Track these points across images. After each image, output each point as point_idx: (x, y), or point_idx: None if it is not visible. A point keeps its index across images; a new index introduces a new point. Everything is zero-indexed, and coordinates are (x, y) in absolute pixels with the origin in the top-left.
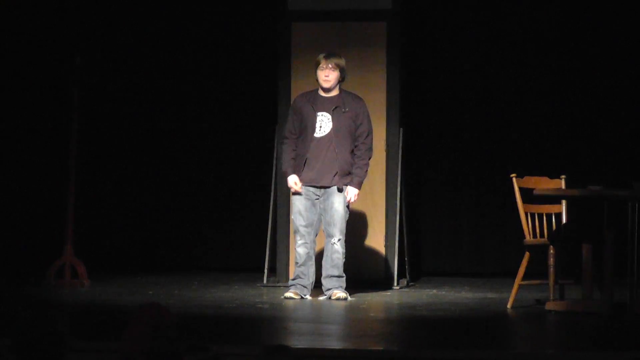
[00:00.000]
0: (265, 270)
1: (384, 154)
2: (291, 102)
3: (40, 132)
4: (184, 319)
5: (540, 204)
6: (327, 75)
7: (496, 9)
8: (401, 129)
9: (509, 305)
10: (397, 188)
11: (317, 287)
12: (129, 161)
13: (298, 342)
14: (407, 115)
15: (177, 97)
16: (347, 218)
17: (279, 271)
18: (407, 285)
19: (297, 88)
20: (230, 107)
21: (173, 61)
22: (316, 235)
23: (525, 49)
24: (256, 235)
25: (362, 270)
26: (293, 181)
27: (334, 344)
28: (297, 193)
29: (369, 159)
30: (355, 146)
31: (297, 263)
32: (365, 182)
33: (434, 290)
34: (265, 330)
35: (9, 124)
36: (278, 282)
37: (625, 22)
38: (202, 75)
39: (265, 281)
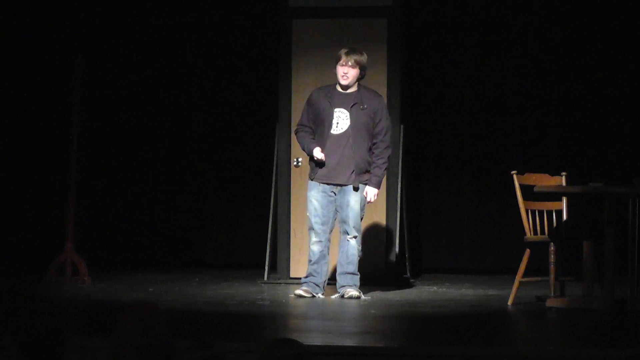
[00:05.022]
0: (266, 267)
1: None
2: (308, 96)
3: (42, 129)
4: (182, 315)
5: (541, 200)
6: (346, 73)
7: (497, 6)
8: (402, 125)
9: (509, 302)
10: (397, 185)
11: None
12: (130, 158)
13: (298, 339)
14: (408, 112)
15: (177, 94)
16: (362, 217)
17: (279, 268)
18: (408, 282)
19: (298, 85)
20: (231, 104)
21: (174, 58)
22: (331, 232)
23: (526, 46)
24: (257, 232)
25: (363, 267)
26: (318, 150)
27: (335, 340)
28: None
29: (388, 157)
30: (374, 144)
31: (310, 261)
32: None
33: (435, 287)
34: (267, 327)
35: (11, 121)
36: (279, 279)
37: (625, 19)
38: (203, 73)
39: (266, 278)
